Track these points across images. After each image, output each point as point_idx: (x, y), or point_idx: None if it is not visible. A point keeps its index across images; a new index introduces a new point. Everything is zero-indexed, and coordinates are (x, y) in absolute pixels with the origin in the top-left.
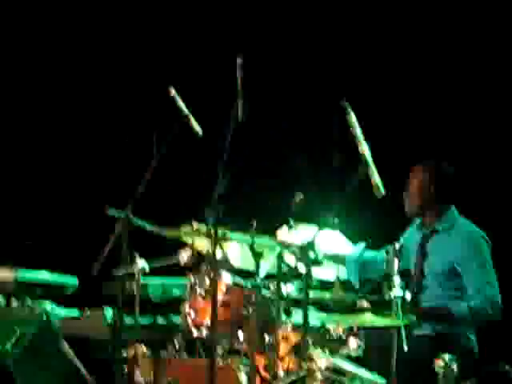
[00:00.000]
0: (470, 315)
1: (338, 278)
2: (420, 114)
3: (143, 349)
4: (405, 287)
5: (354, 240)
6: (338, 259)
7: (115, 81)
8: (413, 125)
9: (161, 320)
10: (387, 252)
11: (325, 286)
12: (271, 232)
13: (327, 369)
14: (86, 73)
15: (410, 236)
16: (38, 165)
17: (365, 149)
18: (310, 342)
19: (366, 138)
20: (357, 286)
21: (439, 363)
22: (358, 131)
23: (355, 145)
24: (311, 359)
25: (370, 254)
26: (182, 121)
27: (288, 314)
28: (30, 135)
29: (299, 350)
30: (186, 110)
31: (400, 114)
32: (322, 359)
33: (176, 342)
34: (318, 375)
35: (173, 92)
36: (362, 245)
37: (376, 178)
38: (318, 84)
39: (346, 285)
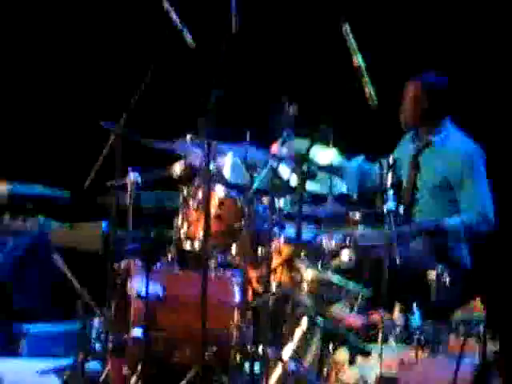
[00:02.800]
0: (462, 229)
1: (330, 190)
2: (416, 24)
3: (136, 261)
4: (398, 200)
5: (347, 153)
6: (333, 170)
7: None
8: (409, 35)
9: (153, 232)
10: (381, 165)
11: (318, 199)
12: (265, 145)
13: (313, 280)
14: None
15: (403, 149)
16: (33, 77)
17: (359, 59)
18: (302, 254)
19: (360, 48)
20: (355, 197)
21: (432, 274)
22: (353, 42)
23: (350, 55)
24: (298, 271)
25: (367, 166)
26: (175, 32)
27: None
28: (28, 45)
29: (291, 263)
30: (178, 22)
31: (397, 25)
32: (308, 271)
33: (169, 254)
34: (305, 287)
35: (166, 3)
36: (361, 157)
37: (370, 88)
38: None
39: (343, 198)
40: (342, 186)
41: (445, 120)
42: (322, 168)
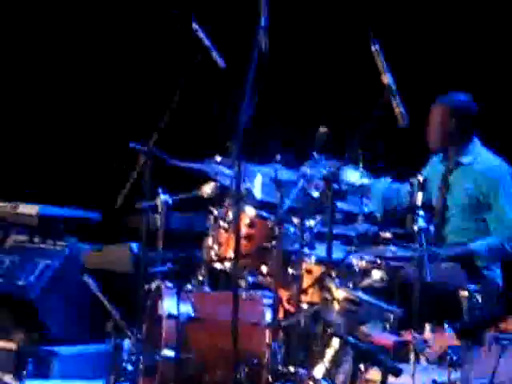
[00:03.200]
0: (488, 253)
1: (361, 210)
2: (445, 46)
3: (166, 282)
4: (428, 220)
5: (377, 173)
6: (362, 190)
7: (139, 12)
8: (438, 56)
9: (184, 253)
10: (411, 184)
11: (349, 218)
12: (296, 165)
13: (344, 299)
14: (110, 7)
15: (433, 169)
16: (63, 99)
17: (389, 79)
18: (333, 274)
19: (390, 69)
20: (380, 218)
21: (463, 294)
22: (383, 62)
23: (380, 76)
24: (329, 290)
25: (394, 186)
26: (205, 53)
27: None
28: (59, 66)
29: (322, 283)
30: (208, 42)
31: (426, 46)
32: (339, 290)
33: (199, 275)
34: (335, 306)
35: (195, 25)
36: (388, 178)
37: (400, 108)
38: (343, 15)
39: (369, 218)
40: (370, 206)
41: (473, 140)
42: (351, 187)
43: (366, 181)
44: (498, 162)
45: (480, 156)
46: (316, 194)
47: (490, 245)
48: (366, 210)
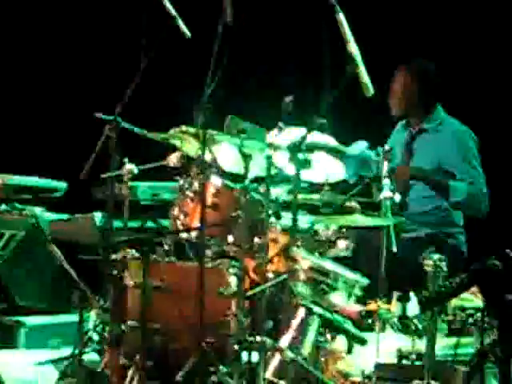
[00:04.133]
0: (465, 194)
1: (327, 179)
2: (409, 13)
3: (132, 252)
4: (394, 188)
5: (344, 143)
6: (333, 152)
7: None
8: (402, 24)
9: (150, 223)
10: (377, 154)
11: (314, 187)
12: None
13: (310, 269)
14: None
15: (396, 137)
16: (28, 69)
17: (354, 49)
18: (299, 244)
19: (355, 38)
20: (351, 182)
21: (428, 263)
22: (347, 31)
23: (344, 45)
24: (294, 260)
25: (367, 153)
26: (170, 22)
27: (278, 217)
28: (22, 37)
29: (288, 252)
30: (173, 12)
31: (390, 14)
32: (305, 260)
33: (165, 244)
34: (301, 275)
35: None
36: (365, 143)
37: (365, 78)
38: None
39: (335, 186)
40: (337, 175)
41: (436, 107)
42: (321, 148)
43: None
44: (461, 126)
45: (443, 122)
46: (283, 164)
47: (469, 190)
48: (338, 178)
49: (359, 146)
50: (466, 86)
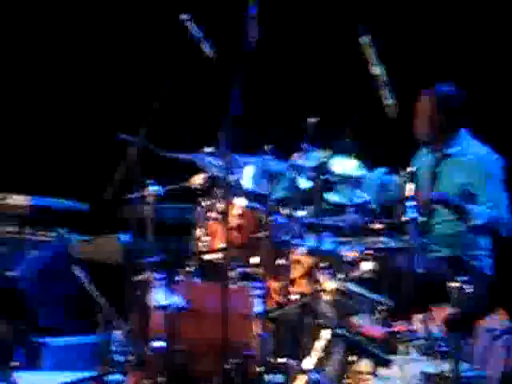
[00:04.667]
0: (484, 218)
1: (351, 201)
2: (436, 38)
3: (156, 273)
4: (418, 211)
5: (368, 165)
6: (352, 181)
7: (128, 4)
8: (429, 47)
9: (174, 244)
10: (401, 176)
11: (339, 209)
12: (285, 156)
13: (334, 291)
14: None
15: (421, 160)
16: (54, 90)
17: (379, 71)
18: (323, 265)
19: (381, 60)
20: (375, 208)
21: (453, 285)
22: (373, 53)
23: (369, 67)
24: (318, 281)
25: (387, 178)
26: (195, 44)
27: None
28: (49, 58)
29: (312, 274)
30: (198, 32)
31: (417, 37)
32: (329, 282)
33: (189, 266)
34: (325, 297)
35: (185, 16)
36: (383, 169)
37: (389, 100)
38: (334, 7)
39: (361, 208)
40: (362, 196)
41: (461, 131)
42: (341, 178)
43: (357, 172)
44: (485, 151)
45: (468, 147)
46: (304, 186)
47: (489, 213)
48: (356, 200)
49: (378, 172)
50: (492, 106)
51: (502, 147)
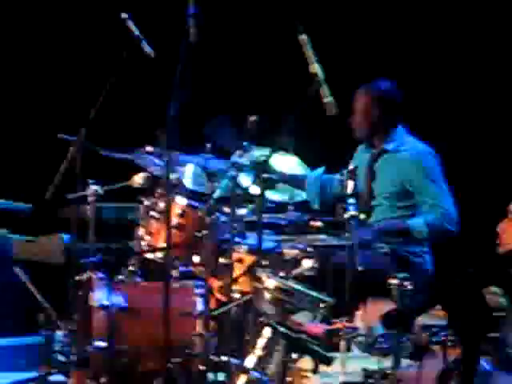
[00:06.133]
0: (426, 229)
1: (291, 199)
2: (372, 35)
3: (97, 273)
4: (358, 208)
5: (308, 162)
6: (295, 181)
7: (69, 3)
8: (366, 45)
9: (115, 243)
10: (342, 174)
11: (279, 208)
12: (226, 155)
13: (275, 289)
14: None
15: (360, 157)
16: None
17: (317, 69)
18: (264, 263)
19: (319, 59)
20: (316, 207)
21: (393, 281)
22: (311, 51)
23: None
24: (260, 279)
25: (326, 176)
26: (134, 43)
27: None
28: None
29: (253, 272)
30: (137, 31)
31: (355, 35)
32: (270, 280)
33: (130, 265)
34: (266, 295)
35: (124, 15)
36: (322, 168)
37: (328, 97)
38: (273, 3)
39: (300, 206)
40: (302, 194)
41: (397, 127)
42: (282, 176)
43: (298, 170)
44: (422, 146)
45: (404, 142)
46: (247, 185)
47: (428, 221)
48: (297, 198)
49: (318, 170)
50: (429, 103)
51: (437, 144)
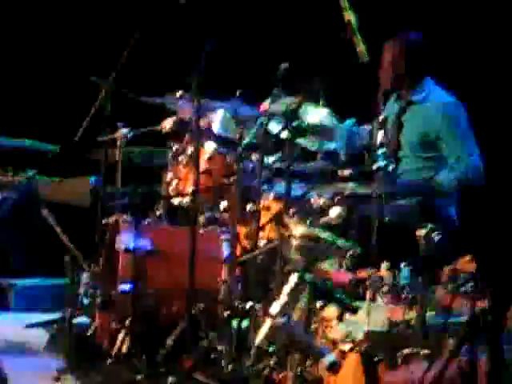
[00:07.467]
0: (454, 183)
1: (321, 147)
2: None
3: (124, 216)
4: (387, 158)
5: (339, 112)
6: (323, 132)
7: None
8: None
9: (143, 187)
10: (371, 124)
11: (308, 155)
12: (256, 101)
13: (302, 236)
14: None
15: (390, 108)
16: (22, 31)
17: (351, 16)
18: (292, 211)
19: (353, 7)
20: (343, 157)
21: (421, 232)
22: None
23: (341, 13)
24: (287, 227)
25: (356, 128)
26: None
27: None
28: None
29: (280, 220)
30: None
31: None
32: (297, 227)
33: (157, 209)
34: (293, 242)
35: None
36: (352, 119)
37: (361, 45)
38: None
39: (330, 156)
40: (331, 144)
41: (425, 79)
42: (311, 128)
43: (328, 121)
44: (449, 97)
45: (431, 93)
46: (274, 131)
47: (456, 175)
48: (326, 147)
49: (348, 122)
50: (460, 57)
51: (465, 95)
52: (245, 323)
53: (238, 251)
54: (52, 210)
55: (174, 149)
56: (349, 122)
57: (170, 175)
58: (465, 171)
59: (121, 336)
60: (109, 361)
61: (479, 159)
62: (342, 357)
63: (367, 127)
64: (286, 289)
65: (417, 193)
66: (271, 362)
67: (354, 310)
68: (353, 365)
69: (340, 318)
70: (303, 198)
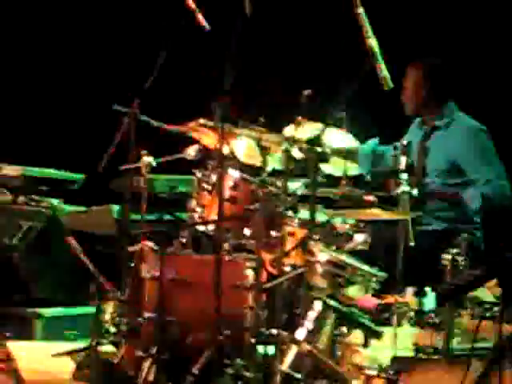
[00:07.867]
0: (480, 199)
1: (345, 173)
2: (428, 12)
3: (149, 244)
4: (411, 184)
5: (361, 137)
6: (347, 154)
7: None
8: (421, 21)
9: (167, 216)
10: (395, 148)
11: (332, 181)
12: (279, 128)
13: (327, 262)
14: None
15: (413, 133)
16: (46, 61)
17: (373, 43)
18: (316, 237)
19: (375, 33)
20: (368, 178)
21: (446, 257)
22: (367, 25)
23: (363, 39)
24: (312, 253)
25: (380, 148)
26: (189, 15)
27: (295, 211)
28: (45, 28)
29: (305, 246)
30: (193, 5)
31: (410, 11)
32: (322, 253)
33: (182, 237)
34: (318, 269)
35: None
36: (375, 140)
37: (384, 72)
38: None
39: (353, 180)
40: (355, 169)
41: (449, 104)
42: (336, 151)
43: (351, 144)
44: (473, 123)
45: (456, 119)
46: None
47: (484, 193)
48: (350, 172)
49: (371, 143)
50: (482, 83)
51: (488, 121)
52: (271, 350)
53: (264, 278)
54: (77, 239)
55: (197, 176)
56: (372, 141)
57: (194, 203)
58: (492, 193)
59: (147, 364)
60: None
61: (507, 183)
62: (368, 382)
63: (391, 150)
64: (312, 315)
65: (444, 200)
66: None
67: (379, 336)
68: None
69: (365, 344)
70: (328, 224)
